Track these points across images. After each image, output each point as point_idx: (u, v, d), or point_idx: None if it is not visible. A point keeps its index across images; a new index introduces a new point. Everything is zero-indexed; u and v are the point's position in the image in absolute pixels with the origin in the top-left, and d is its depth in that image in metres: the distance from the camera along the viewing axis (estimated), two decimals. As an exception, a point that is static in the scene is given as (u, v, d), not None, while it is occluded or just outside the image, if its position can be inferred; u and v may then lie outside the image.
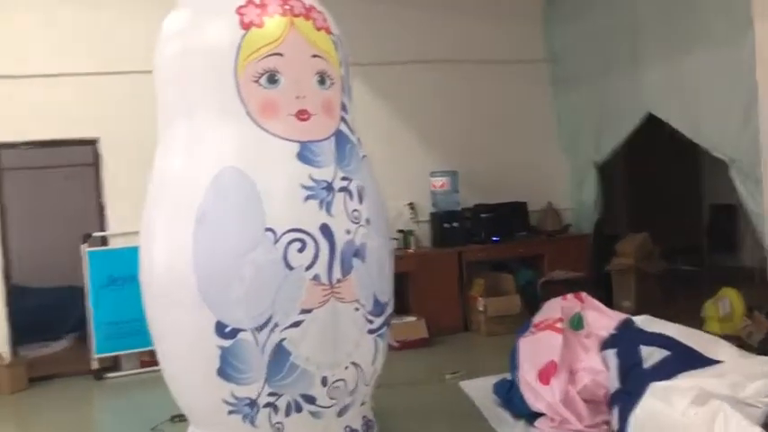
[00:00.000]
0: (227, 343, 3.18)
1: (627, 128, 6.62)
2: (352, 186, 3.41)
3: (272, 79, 3.31)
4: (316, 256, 3.22)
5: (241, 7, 3.32)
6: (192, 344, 3.27)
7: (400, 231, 6.97)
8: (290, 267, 3.17)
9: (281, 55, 3.32)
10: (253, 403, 3.26)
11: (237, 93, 3.28)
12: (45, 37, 6.10)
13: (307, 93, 3.39)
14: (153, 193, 3.45)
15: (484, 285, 6.63)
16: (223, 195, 3.20)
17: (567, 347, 4.02)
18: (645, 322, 3.98)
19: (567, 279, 6.38)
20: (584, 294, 4.39)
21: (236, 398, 3.26)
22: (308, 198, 3.24)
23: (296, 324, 3.20)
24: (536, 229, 7.33)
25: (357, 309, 3.38)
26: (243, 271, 3.14)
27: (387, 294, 3.60)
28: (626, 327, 4.00)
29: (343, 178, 3.38)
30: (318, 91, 3.44)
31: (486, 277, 6.75)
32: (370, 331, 3.48)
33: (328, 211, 3.28)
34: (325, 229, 3.25)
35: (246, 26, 3.29)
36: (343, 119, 3.56)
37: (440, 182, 6.89)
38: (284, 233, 3.17)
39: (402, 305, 6.72)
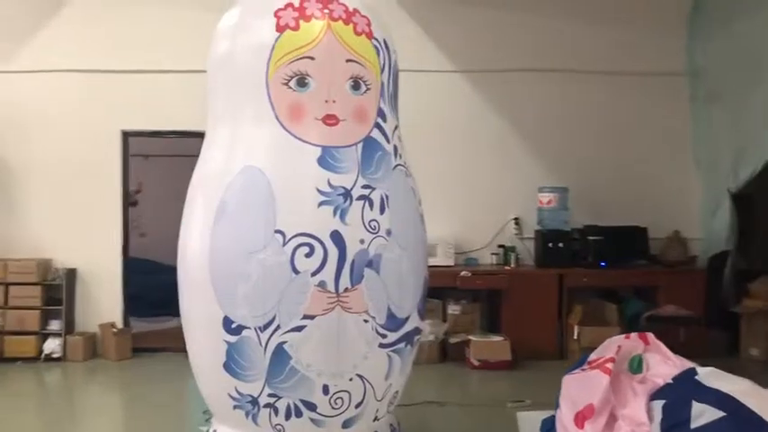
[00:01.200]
0: (232, 339, 3.24)
1: (765, 155, 5.85)
2: (374, 195, 3.31)
3: (302, 82, 3.31)
4: (323, 263, 3.17)
5: (279, 10, 3.34)
6: (205, 335, 3.38)
7: (501, 247, 6.72)
8: (296, 271, 3.15)
9: (312, 58, 3.30)
10: (254, 401, 3.30)
11: (267, 95, 3.31)
12: (176, 35, 6.60)
13: (337, 97, 3.34)
14: (193, 186, 3.59)
15: (582, 312, 6.18)
16: (240, 194, 3.26)
17: (613, 391, 3.62)
18: (708, 375, 3.48)
19: (676, 316, 5.76)
20: (650, 335, 3.93)
21: (240, 393, 3.31)
22: (321, 204, 3.20)
23: (298, 329, 3.18)
24: (656, 258, 6.70)
25: (366, 321, 3.28)
26: (250, 269, 3.17)
27: (406, 310, 3.44)
28: (684, 378, 3.52)
29: (365, 186, 3.29)
30: (351, 96, 3.38)
31: (587, 304, 6.29)
32: (383, 345, 3.37)
33: (342, 218, 3.21)
34: (336, 237, 3.19)
35: (281, 29, 3.32)
36: (378, 125, 3.47)
37: (547, 198, 6.53)
38: (293, 236, 3.16)
39: (492, 324, 6.50)
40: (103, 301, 6.57)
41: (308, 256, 3.16)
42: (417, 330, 3.63)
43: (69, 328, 6.45)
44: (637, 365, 3.78)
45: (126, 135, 6.67)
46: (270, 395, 3.26)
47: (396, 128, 3.65)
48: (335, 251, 3.19)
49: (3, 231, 6.53)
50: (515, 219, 6.81)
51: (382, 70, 3.53)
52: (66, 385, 5.93)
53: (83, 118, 6.56)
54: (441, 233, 6.57)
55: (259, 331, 3.19)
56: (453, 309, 6.35)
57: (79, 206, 6.56)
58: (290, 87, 3.31)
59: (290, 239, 3.16)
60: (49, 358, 6.28)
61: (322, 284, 3.18)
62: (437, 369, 6.08)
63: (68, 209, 6.55)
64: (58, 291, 6.40)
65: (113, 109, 6.56)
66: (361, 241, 3.25)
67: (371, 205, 3.30)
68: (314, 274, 3.17)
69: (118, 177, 6.62)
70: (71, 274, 6.51)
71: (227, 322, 3.24)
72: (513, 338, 6.13)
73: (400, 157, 3.59)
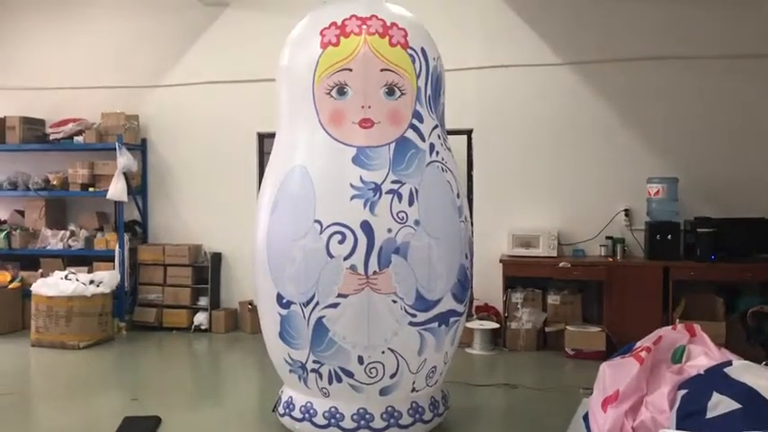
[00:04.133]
0: (284, 312, 3.82)
1: None
2: (404, 189, 3.71)
3: (341, 91, 3.79)
4: (354, 249, 3.64)
5: (324, 29, 3.85)
6: (266, 308, 3.99)
7: (609, 238, 6.68)
8: (330, 255, 3.65)
9: (350, 70, 3.77)
10: (303, 366, 3.85)
11: (314, 103, 3.83)
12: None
13: (372, 103, 3.78)
14: (265, 180, 4.19)
15: (686, 306, 6.02)
16: (289, 189, 3.82)
17: (650, 379, 3.70)
18: (740, 369, 3.43)
19: (782, 312, 5.44)
20: (697, 327, 3.91)
21: (292, 359, 3.89)
22: (353, 197, 3.67)
23: (334, 305, 3.68)
24: (784, 251, 6.30)
25: (395, 301, 3.69)
26: (294, 254, 3.73)
27: (437, 293, 3.79)
28: (714, 370, 3.50)
29: (395, 181, 3.70)
30: (385, 101, 3.80)
31: (691, 298, 6.10)
32: (414, 324, 3.75)
33: (372, 210, 3.65)
34: (366, 226, 3.64)
35: (325, 45, 3.82)
36: (413, 126, 3.84)
37: (655, 189, 6.38)
38: (328, 225, 3.66)
39: (599, 315, 6.52)
40: (243, 281, 7.48)
41: (340, 242, 3.65)
42: (454, 313, 3.96)
43: (215, 304, 7.47)
44: (679, 356, 3.80)
45: (261, 137, 7.54)
46: (314, 362, 3.81)
47: (435, 127, 3.98)
48: (365, 239, 3.64)
49: (162, 220, 7.72)
50: (625, 210, 6.73)
51: (418, 76, 3.89)
52: (211, 351, 6.92)
53: (225, 122, 7.53)
54: (544, 225, 6.71)
55: (303, 306, 3.74)
56: (553, 299, 6.46)
57: (224, 199, 7.53)
58: (332, 96, 3.81)
59: (325, 228, 3.67)
60: (197, 329, 7.34)
61: (353, 267, 3.65)
62: (533, 356, 6.26)
63: (215, 201, 7.55)
64: (205, 272, 7.45)
65: (249, 113, 7.44)
66: (389, 230, 3.67)
67: (400, 198, 3.70)
68: (346, 258, 3.65)
69: (254, 174, 7.52)
70: (217, 257, 7.53)
71: (279, 298, 3.83)
72: (616, 330, 6.13)
73: (437, 153, 3.93)
